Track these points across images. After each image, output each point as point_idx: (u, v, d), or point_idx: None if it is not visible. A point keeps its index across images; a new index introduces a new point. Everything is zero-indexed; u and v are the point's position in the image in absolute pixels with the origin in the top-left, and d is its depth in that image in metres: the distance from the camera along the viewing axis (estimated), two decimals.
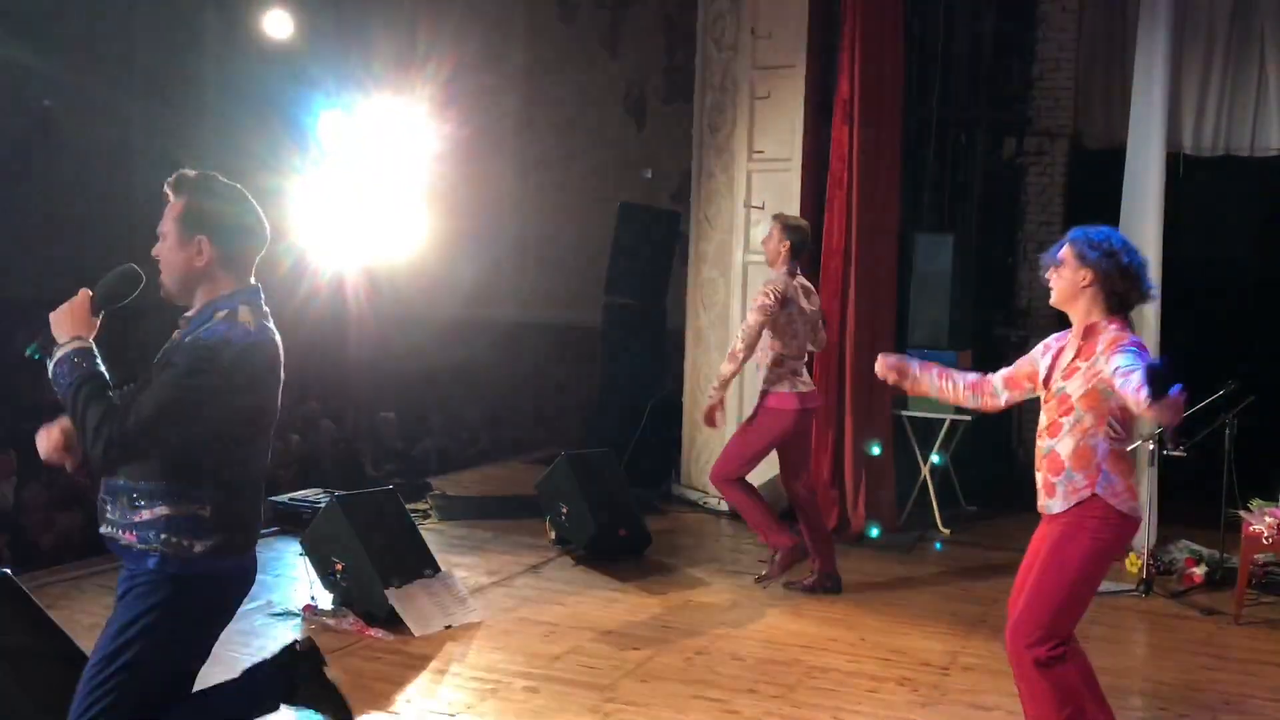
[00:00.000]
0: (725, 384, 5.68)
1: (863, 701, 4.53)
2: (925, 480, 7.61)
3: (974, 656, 5.05)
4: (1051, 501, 3.59)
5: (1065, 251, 3.61)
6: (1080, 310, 3.59)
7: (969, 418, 7.57)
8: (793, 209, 7.36)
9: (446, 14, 11.79)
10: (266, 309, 2.84)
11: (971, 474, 8.09)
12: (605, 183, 10.64)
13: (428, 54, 11.69)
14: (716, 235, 7.85)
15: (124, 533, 2.67)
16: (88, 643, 3.86)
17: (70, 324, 2.65)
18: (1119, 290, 3.53)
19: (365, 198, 7.39)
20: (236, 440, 2.70)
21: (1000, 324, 8.94)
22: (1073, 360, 3.58)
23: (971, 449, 8.19)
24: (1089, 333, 3.56)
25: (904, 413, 7.64)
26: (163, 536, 2.64)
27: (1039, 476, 3.66)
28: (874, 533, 7.08)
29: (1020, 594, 3.67)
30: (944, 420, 7.61)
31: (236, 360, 2.61)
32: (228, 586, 2.79)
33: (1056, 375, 3.62)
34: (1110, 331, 3.51)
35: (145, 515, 2.65)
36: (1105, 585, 5.93)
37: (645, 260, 9.11)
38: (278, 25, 9.79)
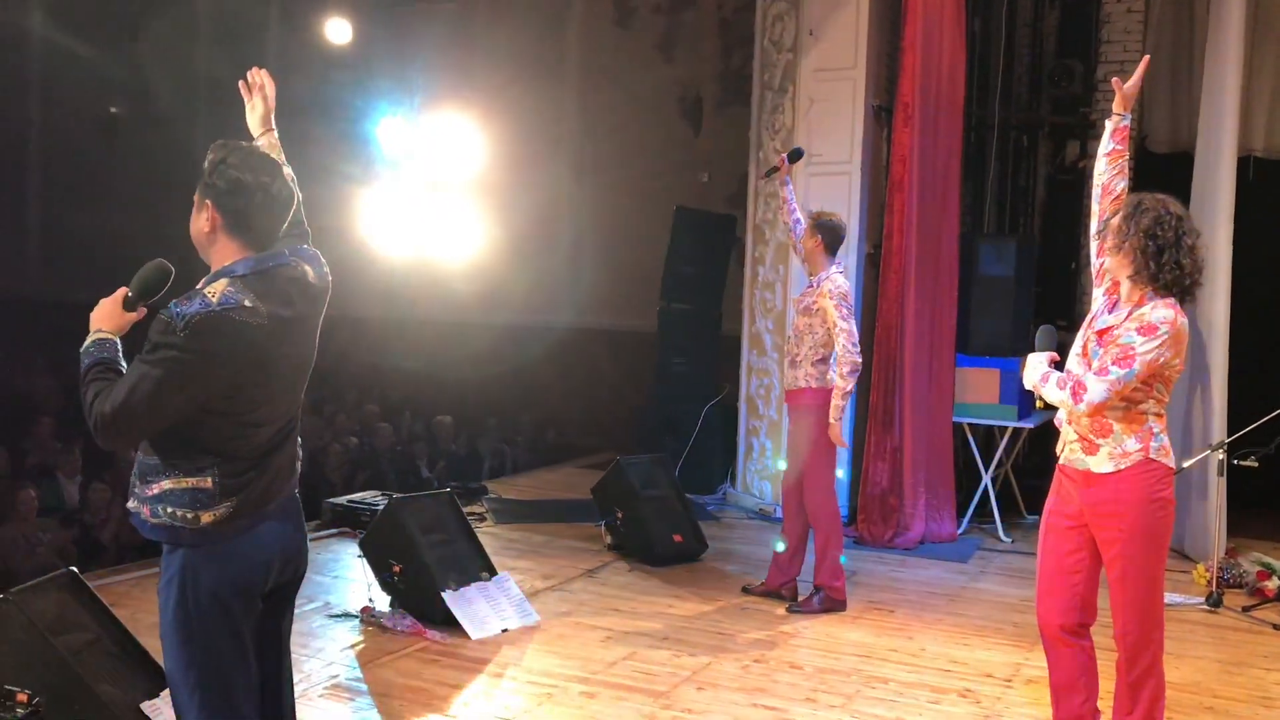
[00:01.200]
0: (848, 396, 5.51)
1: (924, 713, 4.46)
2: (987, 488, 7.49)
3: (1037, 669, 4.91)
4: (1092, 460, 3.51)
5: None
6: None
7: (1031, 425, 7.44)
8: (851, 213, 7.30)
9: (503, 21, 11.86)
10: (277, 281, 2.73)
11: (1033, 483, 7.95)
12: (661, 187, 10.60)
13: (485, 61, 11.77)
14: (774, 239, 7.80)
15: (143, 507, 2.71)
16: (149, 640, 3.91)
17: (99, 319, 2.73)
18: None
19: (424, 204, 7.44)
20: (220, 413, 2.65)
21: (1063, 330, 8.77)
22: (1111, 328, 3.48)
23: (1033, 457, 8.05)
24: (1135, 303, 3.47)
25: (965, 419, 7.53)
26: (169, 510, 2.66)
27: (1070, 429, 3.58)
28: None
29: (1064, 574, 3.61)
30: (1006, 428, 7.49)
31: (191, 331, 2.54)
32: (244, 559, 2.73)
33: (1092, 337, 3.53)
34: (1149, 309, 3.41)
35: (154, 489, 2.68)
36: (1174, 598, 5.82)
37: (701, 264, 9.08)
38: (338, 32, 9.91)
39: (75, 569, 4.11)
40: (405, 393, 11.63)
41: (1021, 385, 7.23)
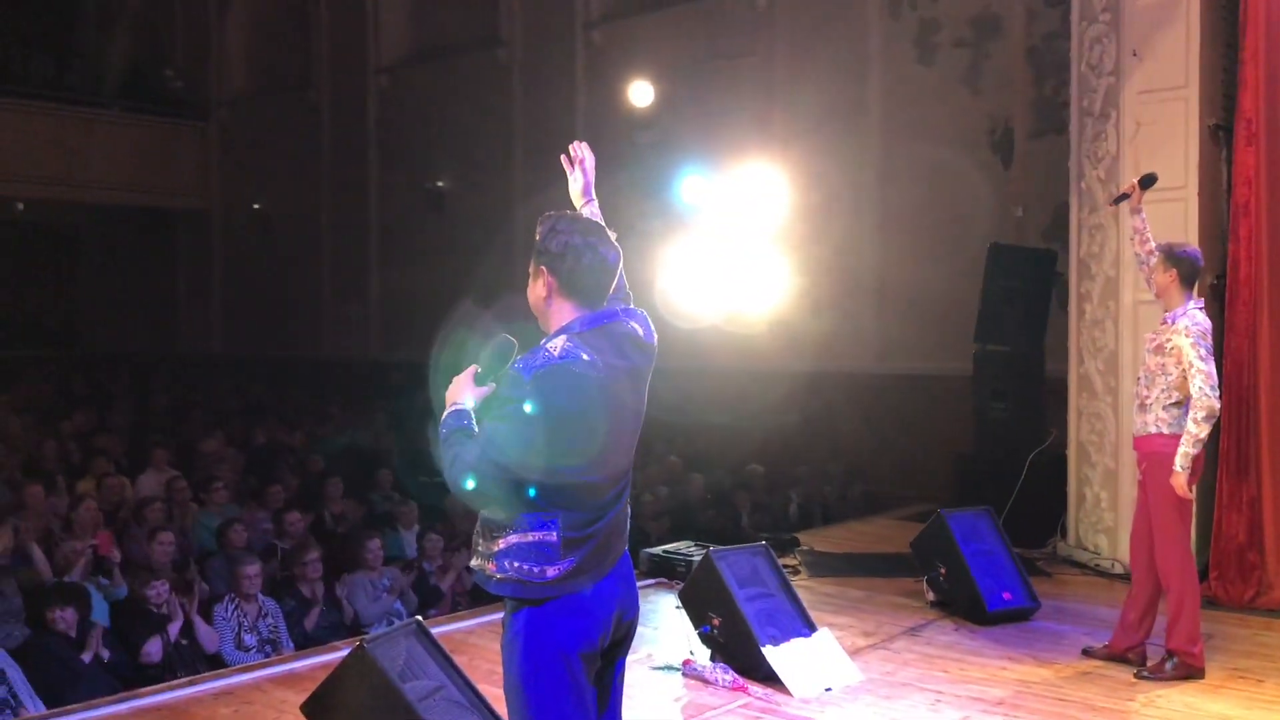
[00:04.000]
0: (1199, 444, 5.00)
1: None
2: None
3: None
4: None
5: None
6: None
7: None
8: (1189, 242, 6.73)
9: (803, 69, 11.88)
10: (612, 337, 2.83)
11: None
12: (969, 224, 10.22)
13: (785, 111, 11.82)
14: (1101, 273, 7.29)
15: (487, 563, 2.79)
16: (486, 688, 4.07)
17: (454, 394, 2.89)
18: None
19: (726, 257, 7.49)
20: (563, 466, 2.71)
21: None
22: None
23: None
24: None
25: None
26: (515, 564, 2.73)
27: None
28: None
29: None
30: None
31: (535, 386, 2.65)
32: (587, 615, 2.77)
33: None
34: None
35: (500, 544, 2.76)
36: None
37: (1019, 304, 8.61)
38: (641, 95, 10.27)
39: (420, 618, 4.34)
40: (709, 442, 11.70)
41: None
